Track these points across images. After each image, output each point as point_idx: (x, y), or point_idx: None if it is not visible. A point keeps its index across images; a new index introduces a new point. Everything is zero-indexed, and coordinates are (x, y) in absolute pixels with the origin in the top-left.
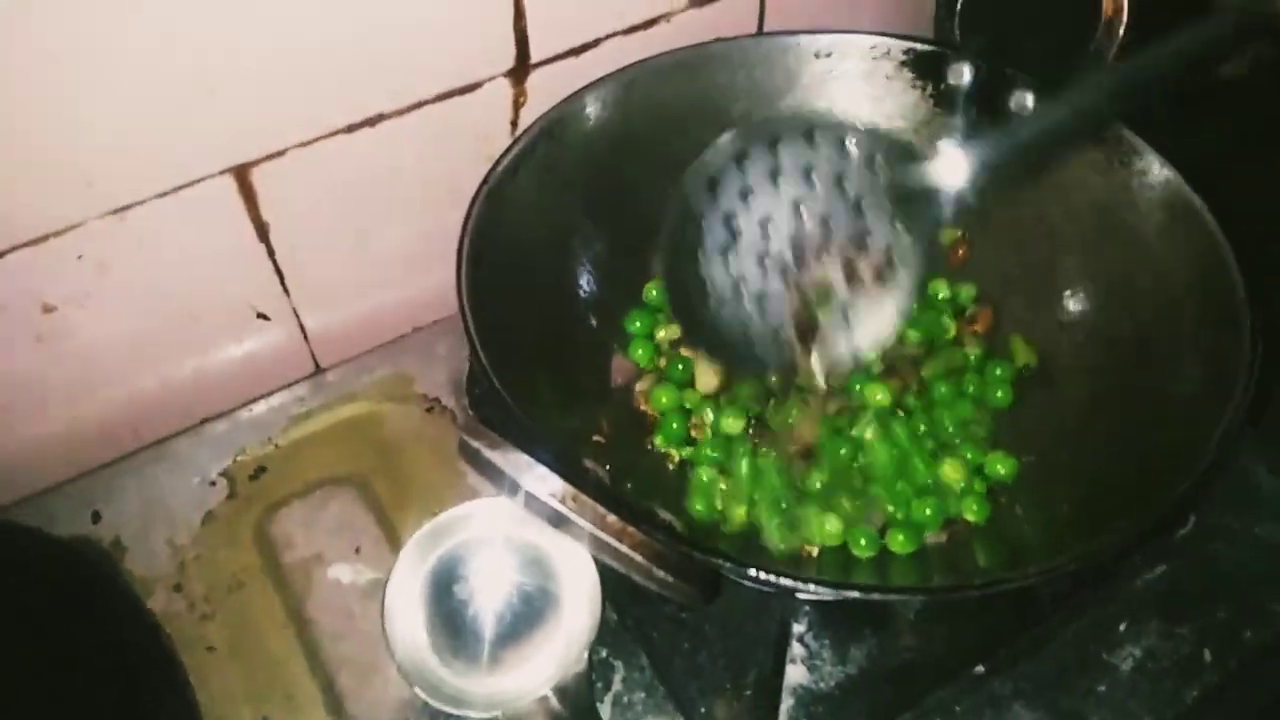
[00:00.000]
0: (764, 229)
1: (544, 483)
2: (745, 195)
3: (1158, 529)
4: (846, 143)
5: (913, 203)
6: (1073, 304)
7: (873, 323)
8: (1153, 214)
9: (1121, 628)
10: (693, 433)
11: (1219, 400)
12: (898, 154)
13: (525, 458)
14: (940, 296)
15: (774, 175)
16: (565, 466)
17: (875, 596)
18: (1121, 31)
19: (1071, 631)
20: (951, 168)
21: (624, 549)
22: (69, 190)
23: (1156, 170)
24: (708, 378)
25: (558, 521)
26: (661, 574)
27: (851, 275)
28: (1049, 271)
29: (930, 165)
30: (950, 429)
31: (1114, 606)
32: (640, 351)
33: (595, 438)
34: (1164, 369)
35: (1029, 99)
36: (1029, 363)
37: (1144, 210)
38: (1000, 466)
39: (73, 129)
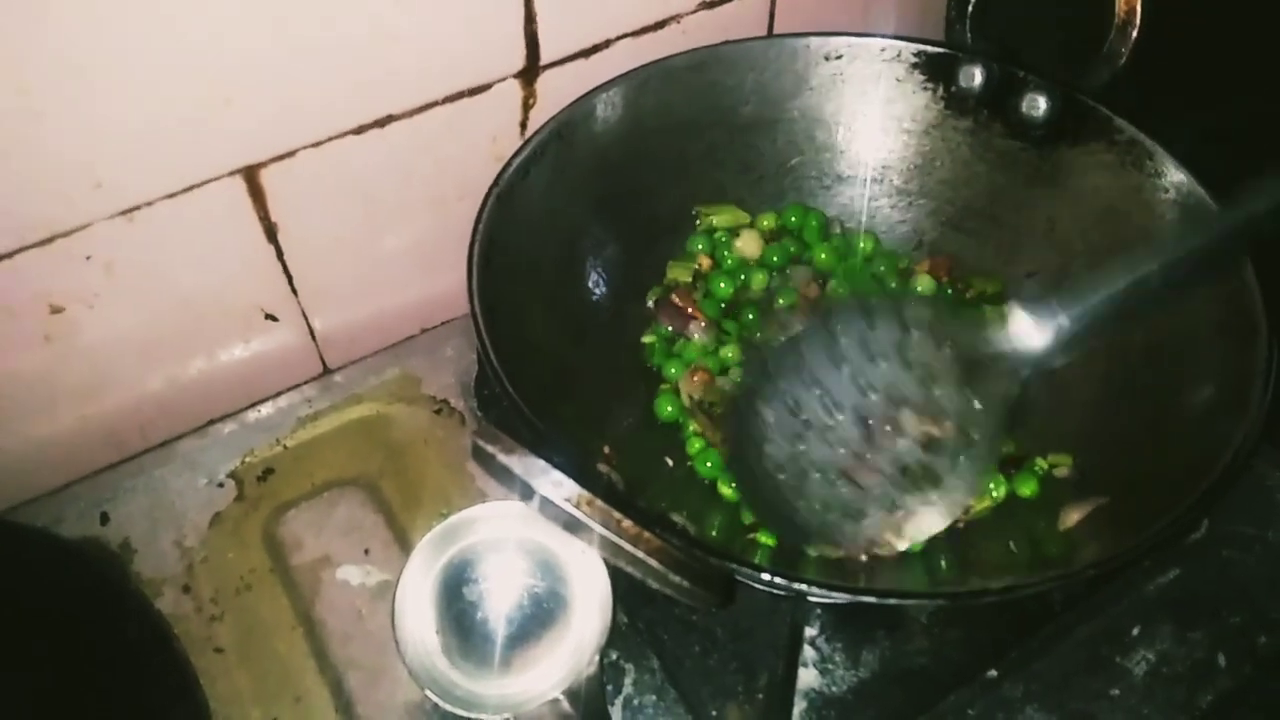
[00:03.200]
0: (827, 408)
1: (559, 487)
2: (806, 378)
3: (1171, 536)
4: (904, 314)
5: (981, 368)
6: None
7: (950, 493)
8: (1166, 217)
9: (1134, 632)
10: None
11: (1234, 412)
12: (963, 324)
13: (540, 462)
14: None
15: (835, 359)
16: (579, 471)
17: (891, 601)
18: (1134, 35)
19: (1084, 635)
20: (1022, 332)
21: (639, 553)
22: (78, 191)
23: (1170, 173)
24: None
25: (572, 526)
26: (677, 578)
27: (926, 445)
28: (1061, 276)
29: (998, 331)
30: None
31: (1127, 610)
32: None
33: (605, 448)
34: (1177, 378)
35: (1041, 102)
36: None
37: (1157, 213)
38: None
39: (82, 131)
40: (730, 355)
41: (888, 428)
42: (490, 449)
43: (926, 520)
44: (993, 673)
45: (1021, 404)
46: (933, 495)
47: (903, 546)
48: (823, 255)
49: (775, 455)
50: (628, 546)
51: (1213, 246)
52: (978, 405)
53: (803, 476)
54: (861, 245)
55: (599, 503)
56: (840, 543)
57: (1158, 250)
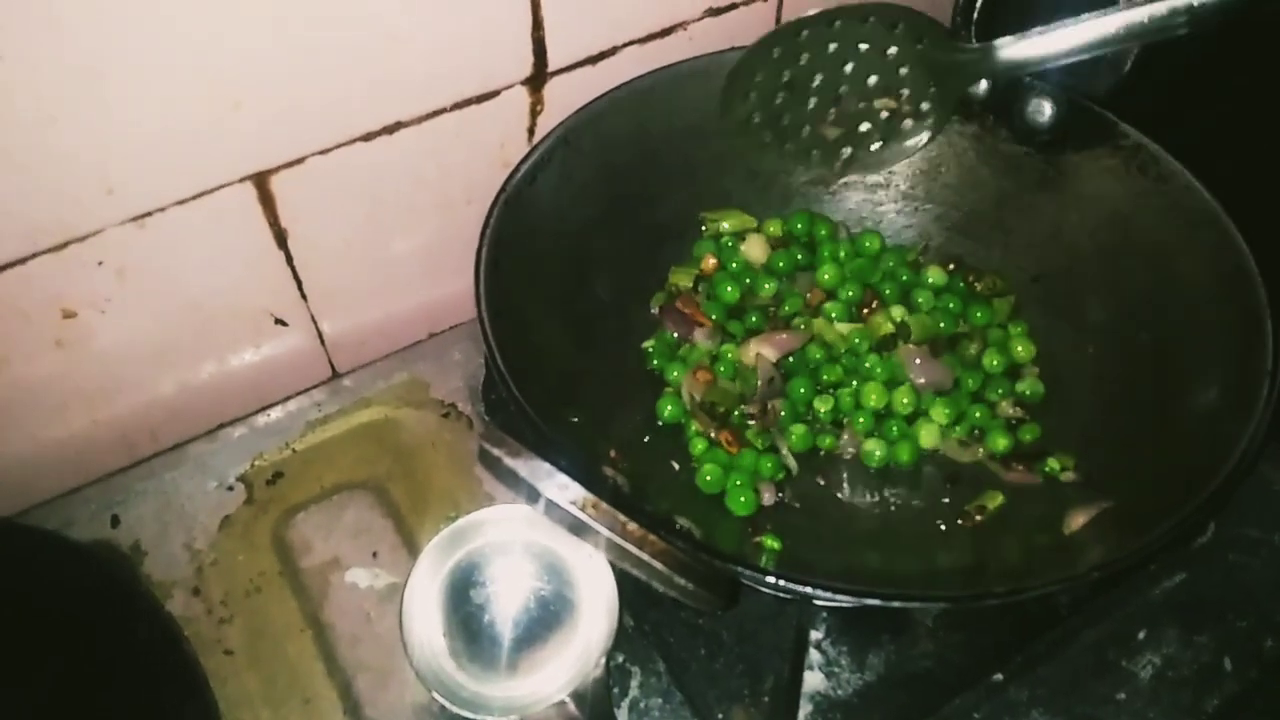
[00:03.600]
0: (813, 77)
1: (565, 491)
2: (799, 55)
3: (1177, 539)
4: (897, 26)
5: (952, 77)
6: (1091, 313)
7: (893, 148)
8: (1172, 221)
9: (1140, 635)
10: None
11: (1240, 414)
12: (939, 33)
13: (546, 465)
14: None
15: (828, 42)
16: (584, 474)
17: (895, 604)
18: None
19: (1090, 639)
20: (999, 57)
21: (645, 556)
22: (90, 198)
23: (1175, 177)
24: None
25: (578, 529)
26: (682, 581)
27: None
28: (1067, 281)
29: (976, 58)
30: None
31: (1133, 614)
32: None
33: (611, 452)
34: (1184, 379)
35: (1046, 107)
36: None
37: (1163, 217)
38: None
39: (94, 137)
40: (733, 356)
41: (857, 97)
42: (496, 452)
43: (869, 160)
44: (998, 676)
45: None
46: (878, 148)
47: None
48: (826, 276)
49: (759, 102)
50: (633, 549)
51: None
52: (933, 88)
53: (778, 119)
54: (867, 244)
55: (604, 506)
56: (797, 164)
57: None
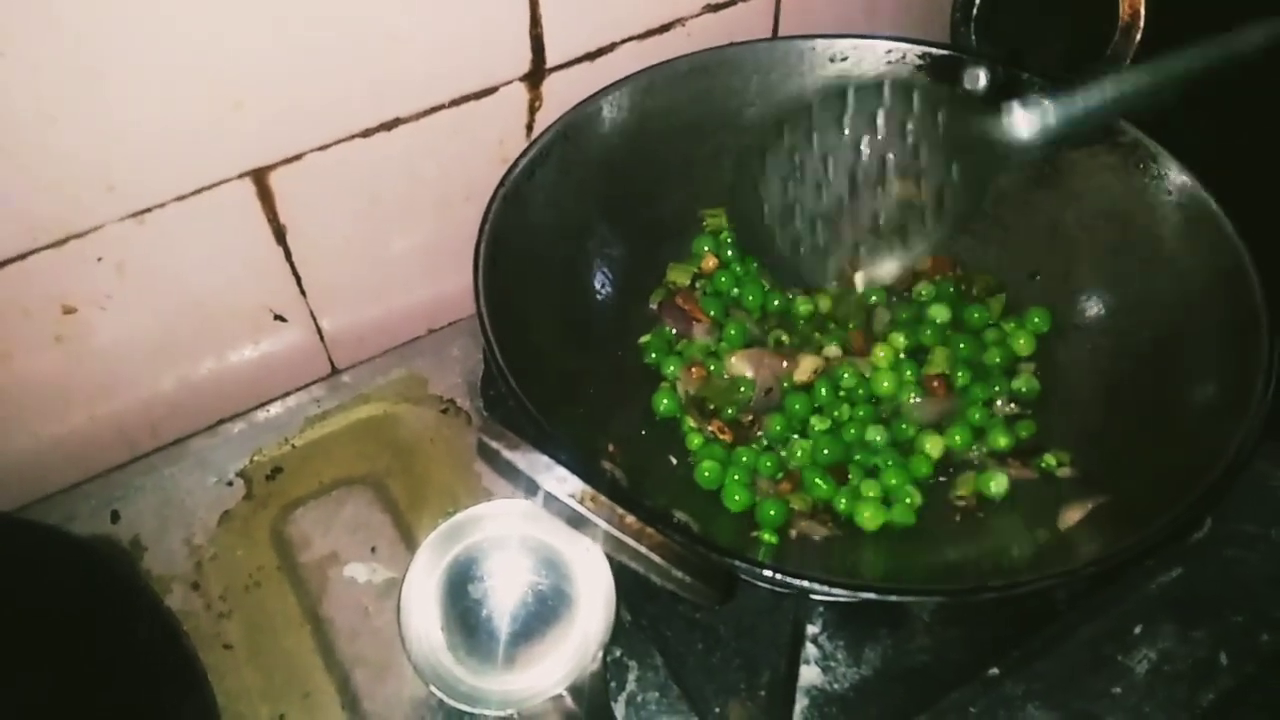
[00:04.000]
0: (825, 163)
1: (563, 484)
2: (810, 134)
3: (1173, 534)
4: (913, 94)
5: (970, 151)
6: (1089, 309)
7: (915, 248)
8: (1169, 218)
9: (1136, 630)
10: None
11: (1235, 410)
12: (961, 107)
13: (544, 459)
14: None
15: (840, 118)
16: (583, 467)
17: (891, 597)
18: (1138, 37)
19: (1086, 633)
20: (1012, 125)
21: (642, 549)
22: (90, 193)
23: (1173, 175)
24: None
25: (576, 522)
26: (679, 574)
27: (902, 205)
28: (1065, 277)
29: (992, 120)
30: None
31: (1129, 609)
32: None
33: (610, 447)
34: (1181, 375)
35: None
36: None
37: (1160, 214)
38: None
39: (94, 134)
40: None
41: (873, 185)
42: (495, 445)
43: (885, 266)
44: (994, 671)
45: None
46: (897, 247)
47: (860, 285)
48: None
49: (769, 197)
50: (630, 542)
51: (1193, 73)
52: (956, 177)
53: (789, 218)
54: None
55: (603, 498)
56: (810, 280)
57: (1144, 70)
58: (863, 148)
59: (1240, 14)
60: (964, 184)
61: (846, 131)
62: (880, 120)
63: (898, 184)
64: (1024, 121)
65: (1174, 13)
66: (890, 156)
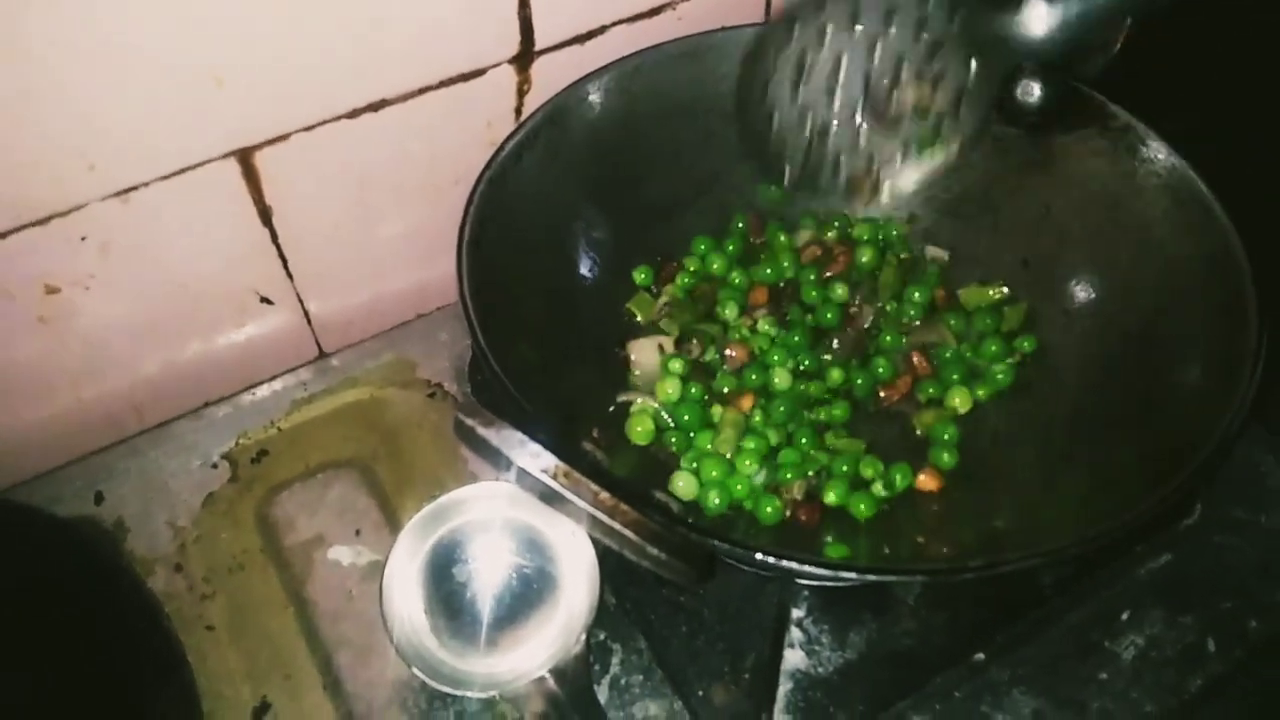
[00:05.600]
0: (837, 64)
1: (536, 459)
2: (822, 33)
3: (1159, 517)
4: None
5: (988, 48)
6: (1079, 293)
7: (926, 158)
8: (1159, 202)
9: (1124, 616)
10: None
11: (1224, 391)
12: (978, 7)
13: (517, 434)
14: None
15: (854, 17)
16: (562, 447)
17: (870, 577)
18: (1128, 22)
19: (1073, 619)
20: (1032, 19)
21: (617, 525)
22: (72, 172)
23: (1163, 157)
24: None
25: (550, 498)
26: (654, 551)
27: (918, 110)
28: (1055, 261)
29: (1008, 18)
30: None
31: (1116, 595)
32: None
33: (594, 431)
34: (1169, 358)
35: (1035, 88)
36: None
37: (1150, 198)
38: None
39: (77, 112)
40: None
41: (886, 89)
42: (470, 423)
43: (902, 174)
44: (980, 656)
45: (1021, 388)
46: (912, 156)
47: (882, 197)
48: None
49: (778, 100)
50: (605, 518)
51: None
52: (972, 81)
53: (800, 122)
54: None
55: (576, 474)
56: (820, 186)
57: None
58: (876, 48)
59: (1227, 4)
60: (979, 89)
61: (859, 29)
62: (895, 19)
63: (912, 88)
64: (1039, 17)
65: None
66: (905, 58)
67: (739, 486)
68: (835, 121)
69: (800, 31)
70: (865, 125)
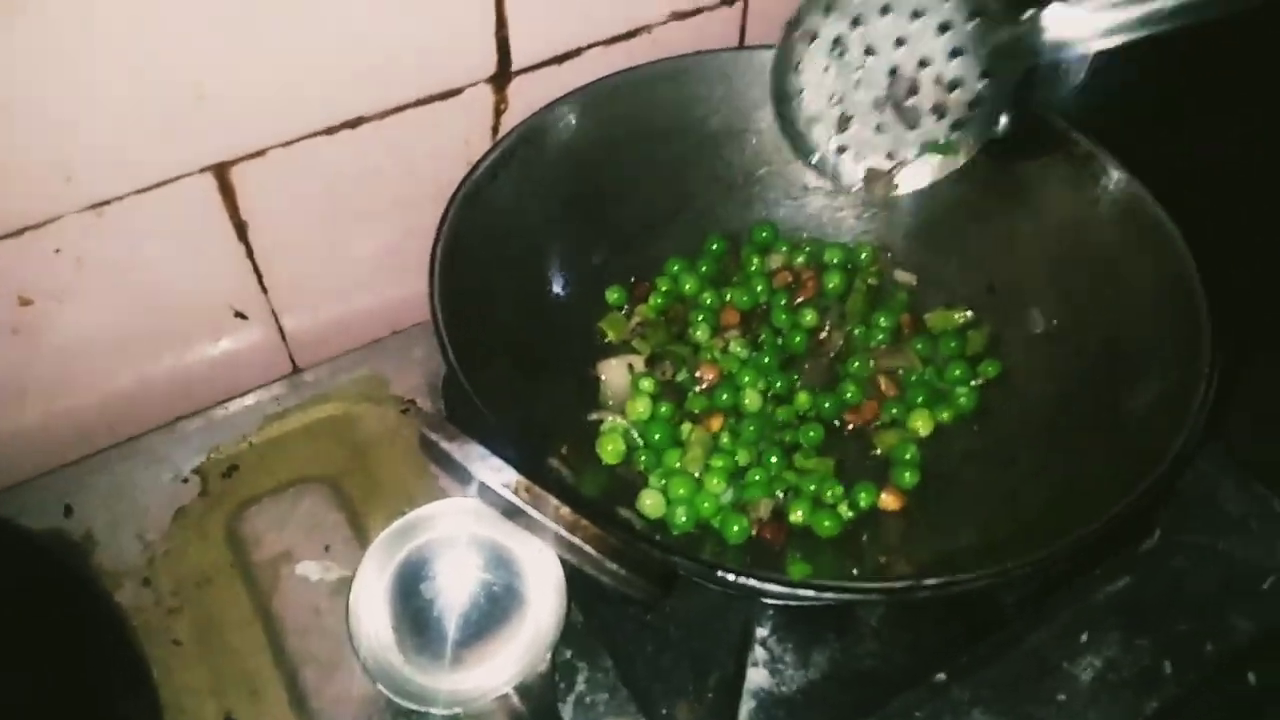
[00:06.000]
0: (866, 51)
1: (497, 473)
2: (856, 21)
3: (1118, 540)
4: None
5: (1004, 60)
6: (1042, 317)
7: (942, 158)
8: (1120, 229)
9: (1083, 638)
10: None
11: (1178, 415)
12: (1002, 15)
13: (479, 448)
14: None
15: (885, 9)
16: (528, 463)
17: (828, 596)
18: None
19: (1033, 640)
20: (1048, 36)
21: (577, 541)
22: (47, 184)
23: (1125, 187)
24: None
25: (513, 513)
26: (615, 567)
27: (935, 109)
28: (1020, 286)
29: (1026, 31)
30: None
31: (1076, 617)
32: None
33: (562, 449)
34: (1127, 381)
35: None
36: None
37: (1111, 225)
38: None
39: (53, 125)
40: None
41: (908, 84)
42: (433, 436)
43: (916, 173)
44: (941, 676)
45: (983, 410)
46: (929, 154)
47: (900, 188)
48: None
49: (806, 80)
50: (565, 533)
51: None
52: (987, 83)
53: (823, 106)
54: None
55: (537, 489)
56: (839, 176)
57: None
58: (902, 44)
59: (1189, 35)
60: (991, 98)
61: (890, 24)
62: (923, 19)
63: (932, 90)
64: (1056, 26)
65: None
66: (927, 60)
67: (706, 505)
68: (859, 110)
69: (835, 17)
70: (887, 118)
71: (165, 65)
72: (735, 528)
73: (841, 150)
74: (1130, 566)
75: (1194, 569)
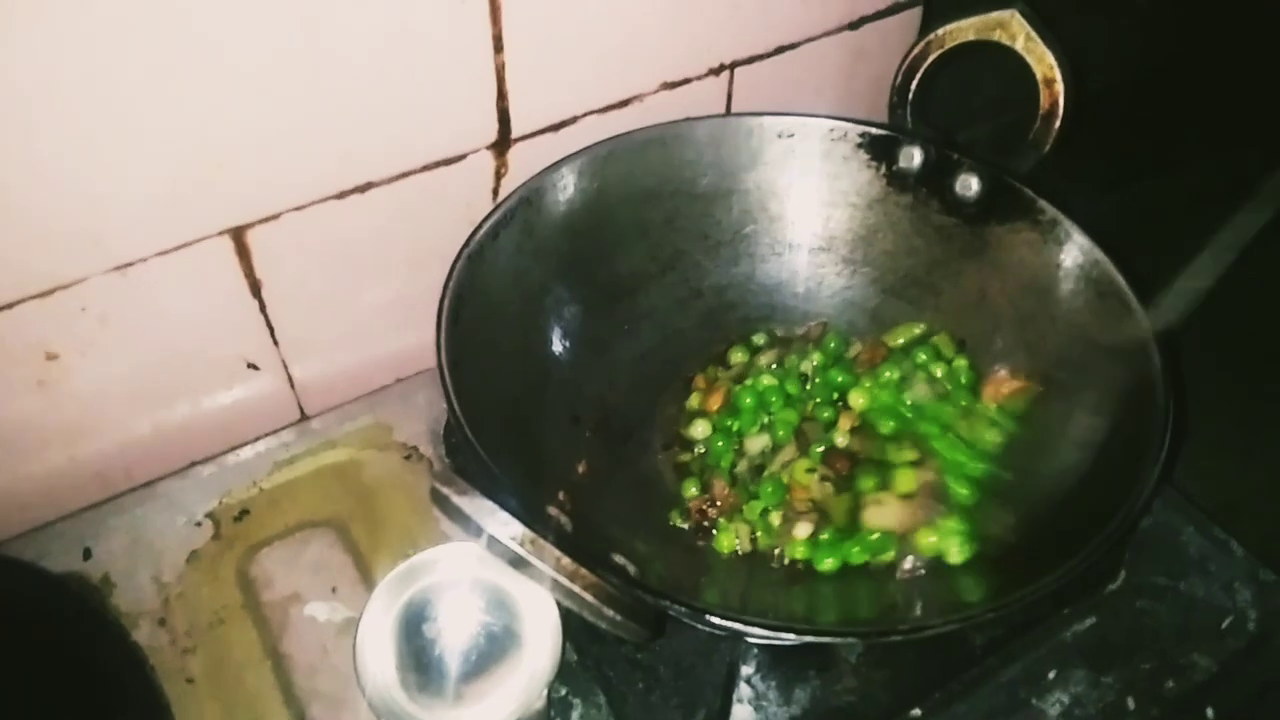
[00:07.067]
0: None
1: (506, 527)
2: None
3: (1085, 583)
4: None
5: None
6: (1009, 372)
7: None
8: (1081, 291)
9: (1051, 675)
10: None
11: (1134, 466)
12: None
13: (489, 503)
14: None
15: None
16: (528, 512)
17: (809, 638)
18: (1057, 125)
19: (1003, 677)
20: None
21: (575, 588)
22: (76, 247)
23: (1086, 252)
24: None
25: (517, 563)
26: (611, 613)
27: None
28: (989, 342)
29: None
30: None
31: (1044, 655)
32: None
33: (560, 495)
34: (1085, 434)
35: (973, 182)
36: None
37: (1074, 287)
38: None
39: (83, 192)
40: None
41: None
42: (445, 491)
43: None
44: (916, 711)
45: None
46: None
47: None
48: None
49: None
50: (565, 581)
51: None
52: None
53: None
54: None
55: (541, 541)
56: None
57: None
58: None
59: (1147, 106)
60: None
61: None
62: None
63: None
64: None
65: (1090, 104)
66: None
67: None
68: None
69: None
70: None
71: (187, 136)
72: None
73: None
74: (1096, 607)
75: (1155, 610)
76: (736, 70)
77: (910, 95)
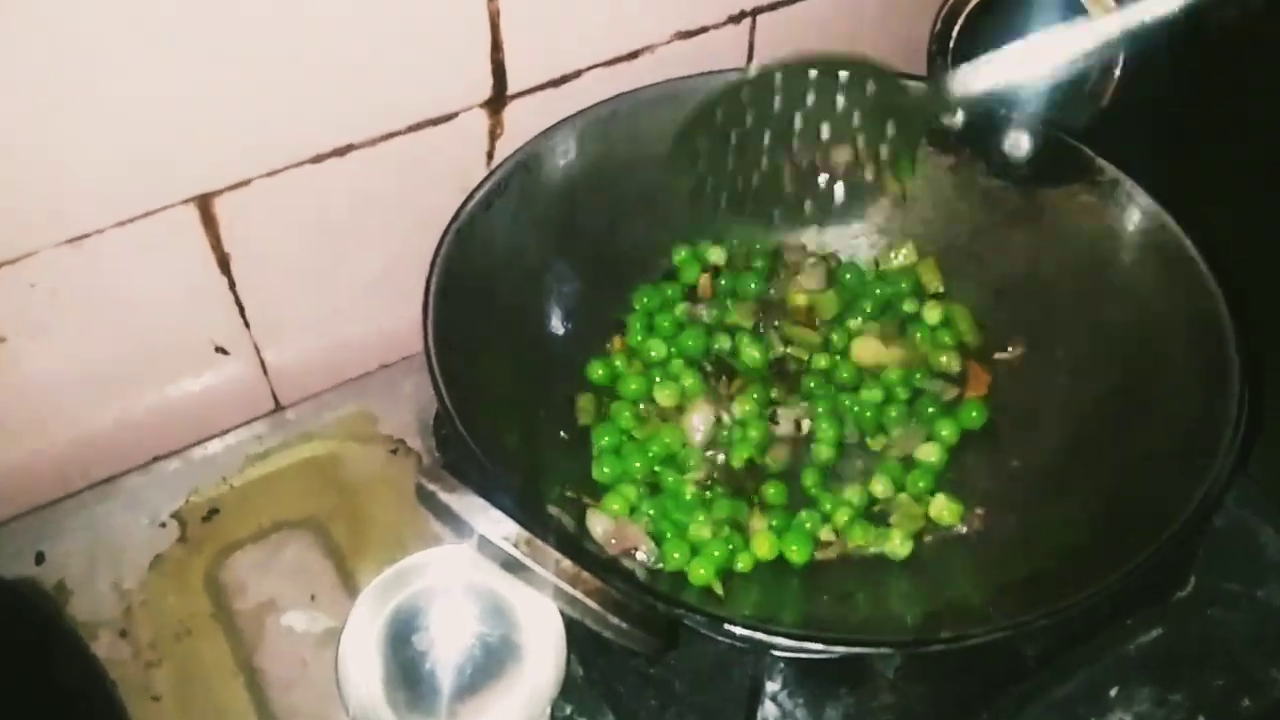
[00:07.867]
0: (762, 136)
1: (497, 526)
2: (743, 116)
3: (1150, 589)
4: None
5: (901, 114)
6: (1063, 347)
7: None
8: (1145, 260)
9: (1112, 693)
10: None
11: (1203, 456)
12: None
13: (479, 500)
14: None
15: (771, 98)
16: (525, 512)
17: (838, 649)
18: (1117, 74)
19: (1059, 694)
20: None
21: (578, 594)
22: (23, 218)
23: (1151, 214)
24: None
25: (512, 566)
26: (616, 621)
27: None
28: (1040, 316)
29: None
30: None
31: (1104, 669)
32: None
33: (568, 492)
34: (1150, 419)
35: (1024, 141)
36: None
37: (1137, 255)
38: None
39: (29, 156)
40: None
41: (811, 150)
42: (432, 488)
43: (834, 211)
44: None
45: (998, 448)
46: (843, 199)
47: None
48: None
49: (711, 169)
50: (566, 587)
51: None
52: (890, 133)
53: (732, 183)
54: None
55: (538, 542)
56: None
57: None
58: (795, 123)
59: (1214, 57)
60: (902, 142)
61: (777, 104)
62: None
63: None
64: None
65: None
66: (825, 129)
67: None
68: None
69: (723, 115)
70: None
71: (146, 95)
72: None
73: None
74: (1163, 617)
75: (1229, 619)
76: (759, 17)
77: (951, 44)
